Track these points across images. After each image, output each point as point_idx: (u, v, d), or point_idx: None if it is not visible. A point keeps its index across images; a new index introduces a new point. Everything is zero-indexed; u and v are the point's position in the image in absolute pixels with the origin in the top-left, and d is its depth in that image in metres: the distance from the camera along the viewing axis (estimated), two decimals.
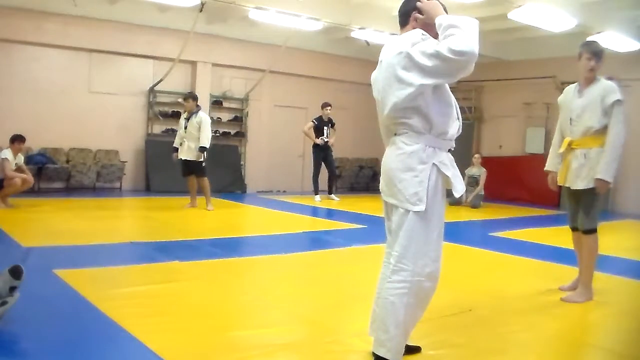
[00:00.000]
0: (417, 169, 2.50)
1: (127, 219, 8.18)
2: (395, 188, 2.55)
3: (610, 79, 3.95)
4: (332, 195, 11.08)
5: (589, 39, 9.84)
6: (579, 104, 3.95)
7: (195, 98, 8.60)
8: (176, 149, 8.58)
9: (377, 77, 2.73)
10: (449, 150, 2.62)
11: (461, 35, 2.32)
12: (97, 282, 3.99)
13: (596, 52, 3.91)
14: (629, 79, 11.05)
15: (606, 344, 3.23)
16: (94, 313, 3.27)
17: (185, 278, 4.28)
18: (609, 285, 4.72)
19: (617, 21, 9.31)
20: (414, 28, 2.59)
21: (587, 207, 3.95)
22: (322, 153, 10.96)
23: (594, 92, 3.89)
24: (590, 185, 3.83)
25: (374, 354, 2.61)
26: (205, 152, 8.37)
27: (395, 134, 2.61)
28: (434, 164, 2.51)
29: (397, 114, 2.54)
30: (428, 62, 2.38)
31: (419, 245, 2.51)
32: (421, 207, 2.48)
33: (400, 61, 2.47)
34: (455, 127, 2.60)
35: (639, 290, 4.70)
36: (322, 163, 11.02)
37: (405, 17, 2.66)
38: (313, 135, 10.88)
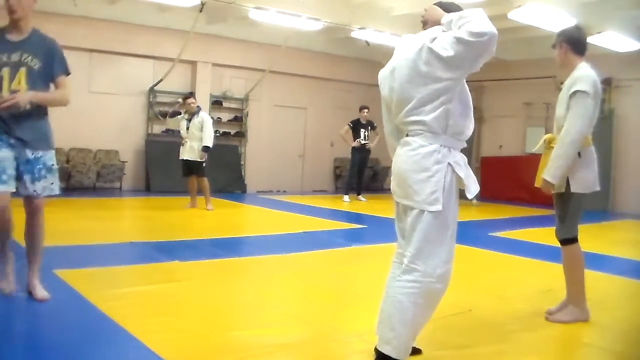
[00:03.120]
0: (433, 169, 2.47)
1: (127, 219, 8.18)
2: (411, 189, 2.50)
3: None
4: (360, 196, 11.19)
5: (588, 39, 9.84)
6: (558, 97, 3.50)
7: (194, 98, 8.72)
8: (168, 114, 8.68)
9: (390, 74, 2.65)
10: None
11: (476, 19, 2.36)
12: (97, 282, 3.99)
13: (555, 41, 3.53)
14: (629, 79, 11.06)
15: (606, 344, 3.23)
16: (94, 313, 3.27)
17: (185, 278, 4.28)
18: (608, 285, 4.72)
19: (617, 21, 9.30)
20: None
21: (560, 213, 3.49)
22: (360, 155, 11.03)
23: (568, 81, 3.42)
24: (561, 190, 3.40)
25: (376, 351, 2.58)
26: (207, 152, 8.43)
27: (407, 135, 2.57)
28: (448, 163, 2.49)
29: (418, 111, 2.49)
30: (450, 51, 2.38)
31: (432, 246, 2.49)
32: (438, 207, 2.46)
33: (422, 56, 2.46)
34: (471, 129, 2.60)
35: (639, 290, 4.70)
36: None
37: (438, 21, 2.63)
38: (350, 138, 10.99)
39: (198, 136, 8.39)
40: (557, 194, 3.47)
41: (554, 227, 3.57)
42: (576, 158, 3.33)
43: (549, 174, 3.31)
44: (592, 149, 3.46)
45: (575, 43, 3.48)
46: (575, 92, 3.27)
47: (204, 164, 8.48)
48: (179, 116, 8.69)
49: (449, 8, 2.60)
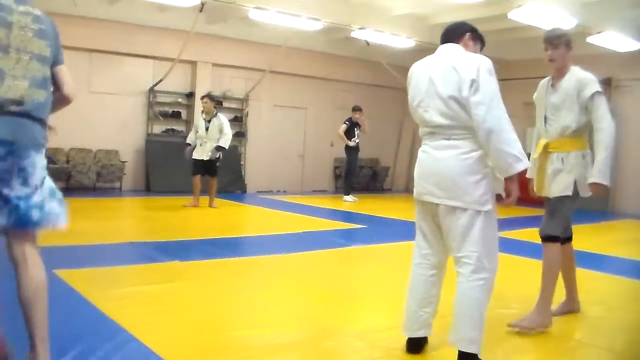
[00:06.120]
0: (483, 172, 2.65)
1: (127, 219, 8.18)
2: (461, 191, 2.63)
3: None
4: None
5: (588, 38, 9.79)
6: (552, 100, 3.45)
7: (213, 99, 8.93)
8: (188, 144, 8.83)
9: (428, 78, 2.75)
10: None
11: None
12: (97, 282, 4.00)
13: (549, 39, 3.43)
14: (629, 79, 11.07)
15: (606, 344, 3.23)
16: (94, 313, 3.27)
17: (185, 278, 4.28)
18: (608, 285, 4.72)
19: (617, 21, 9.31)
20: (467, 47, 2.82)
21: (552, 212, 3.44)
22: (356, 154, 11.17)
23: (568, 85, 3.37)
24: (567, 193, 3.36)
25: (461, 353, 2.63)
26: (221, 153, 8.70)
27: (450, 138, 2.67)
28: (490, 167, 2.68)
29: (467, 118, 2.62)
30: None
31: (491, 242, 2.69)
32: (489, 207, 2.65)
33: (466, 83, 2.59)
34: None
35: (639, 290, 4.71)
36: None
37: (459, 34, 2.87)
38: (345, 137, 11.02)
39: (217, 137, 8.61)
40: (560, 197, 3.40)
41: (541, 224, 3.50)
42: (581, 160, 3.38)
43: (604, 177, 3.25)
44: (590, 152, 3.45)
45: (571, 44, 3.45)
46: (594, 95, 3.28)
47: (217, 164, 8.71)
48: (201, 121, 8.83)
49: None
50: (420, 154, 2.84)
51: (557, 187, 3.40)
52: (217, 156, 8.68)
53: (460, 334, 2.66)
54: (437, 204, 2.72)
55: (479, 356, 2.64)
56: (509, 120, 2.60)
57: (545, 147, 3.50)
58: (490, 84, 2.58)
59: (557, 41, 3.41)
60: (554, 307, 3.57)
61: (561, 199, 3.39)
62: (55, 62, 2.43)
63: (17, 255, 2.28)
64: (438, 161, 2.71)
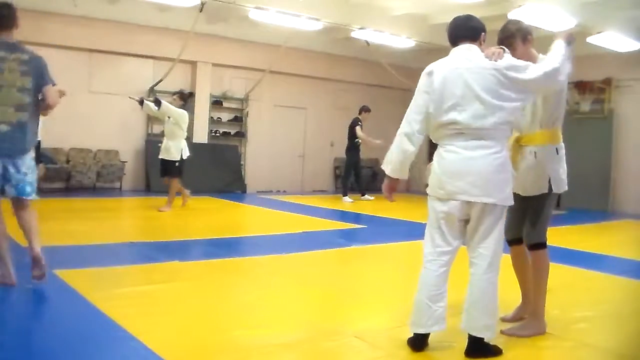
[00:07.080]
0: (509, 171, 2.87)
1: (127, 219, 8.18)
2: (494, 188, 2.78)
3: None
4: (367, 195, 11.25)
5: (588, 38, 9.77)
6: None
7: (183, 97, 8.28)
8: (142, 100, 8.26)
9: (457, 76, 2.82)
10: None
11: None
12: (97, 282, 4.00)
13: (501, 42, 3.13)
14: (629, 79, 11.06)
15: (606, 344, 3.23)
16: (94, 313, 3.27)
17: (185, 278, 4.28)
18: (608, 285, 4.73)
19: (617, 21, 9.31)
20: (481, 46, 2.91)
21: (533, 216, 3.23)
22: (358, 155, 11.13)
23: None
24: (543, 191, 3.17)
25: (475, 339, 2.83)
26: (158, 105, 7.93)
27: (480, 139, 2.76)
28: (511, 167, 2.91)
29: (501, 124, 2.78)
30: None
31: (503, 236, 2.88)
32: (512, 201, 2.87)
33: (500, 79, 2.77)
34: None
35: (639, 290, 4.71)
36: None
37: (476, 34, 2.92)
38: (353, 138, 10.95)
39: (174, 133, 7.96)
40: (532, 197, 3.23)
41: (524, 233, 3.30)
42: (554, 154, 3.19)
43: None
44: (563, 146, 3.25)
45: (530, 34, 3.19)
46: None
47: (176, 164, 7.99)
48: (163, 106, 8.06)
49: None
50: (447, 154, 2.84)
51: (532, 186, 3.21)
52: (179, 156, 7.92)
53: (477, 322, 2.84)
54: (470, 202, 2.79)
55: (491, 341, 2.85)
56: (541, 64, 2.83)
57: (518, 140, 3.26)
58: (521, 64, 2.81)
59: (510, 41, 3.14)
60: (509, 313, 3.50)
61: (542, 201, 3.21)
62: (41, 85, 3.57)
63: (18, 213, 3.67)
64: (470, 160, 2.78)
